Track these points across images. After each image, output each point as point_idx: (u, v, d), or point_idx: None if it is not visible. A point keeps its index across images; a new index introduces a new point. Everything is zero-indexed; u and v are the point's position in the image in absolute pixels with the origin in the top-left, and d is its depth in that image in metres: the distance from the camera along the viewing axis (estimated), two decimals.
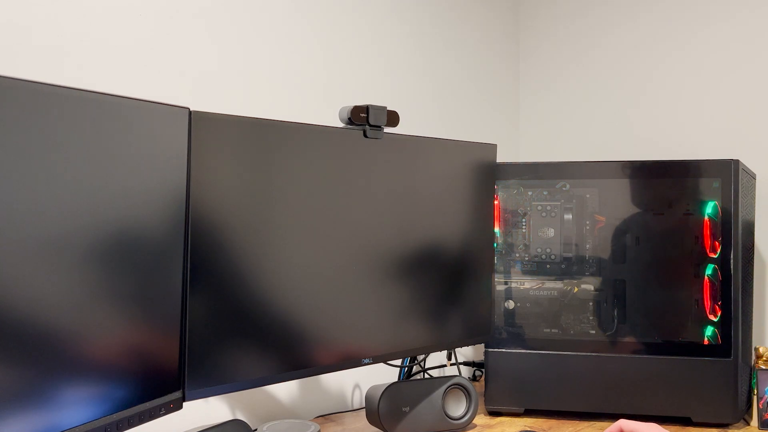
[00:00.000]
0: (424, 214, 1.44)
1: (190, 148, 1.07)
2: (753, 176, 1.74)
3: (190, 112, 1.07)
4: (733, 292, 1.53)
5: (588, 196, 1.64)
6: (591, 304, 1.63)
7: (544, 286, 1.65)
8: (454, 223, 1.50)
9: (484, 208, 1.57)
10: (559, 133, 2.27)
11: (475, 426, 1.56)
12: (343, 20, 1.78)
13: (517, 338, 1.64)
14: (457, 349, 1.78)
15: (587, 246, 1.64)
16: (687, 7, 2.03)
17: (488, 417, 1.62)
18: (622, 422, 1.19)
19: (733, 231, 1.54)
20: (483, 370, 1.80)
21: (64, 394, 0.89)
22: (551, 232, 1.65)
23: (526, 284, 1.66)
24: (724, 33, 1.97)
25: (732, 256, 1.54)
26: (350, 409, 1.73)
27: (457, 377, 1.53)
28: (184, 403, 1.09)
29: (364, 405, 1.53)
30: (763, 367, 1.60)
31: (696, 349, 1.56)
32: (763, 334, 1.85)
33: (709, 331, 1.57)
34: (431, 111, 2.03)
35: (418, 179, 1.43)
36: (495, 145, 1.60)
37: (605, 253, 1.63)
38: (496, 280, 1.62)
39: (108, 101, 0.94)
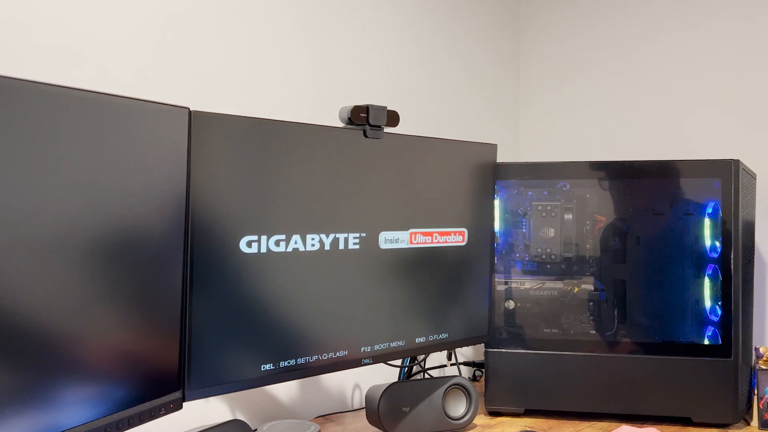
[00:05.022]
0: (424, 213, 1.44)
1: (190, 148, 1.07)
2: (753, 176, 1.74)
3: (190, 112, 1.07)
4: (733, 292, 1.53)
5: (588, 196, 1.64)
6: (591, 304, 1.63)
7: (544, 286, 1.65)
8: (454, 222, 1.50)
9: (484, 208, 1.57)
10: (559, 133, 2.27)
11: (475, 426, 1.56)
12: (343, 20, 1.78)
13: (517, 338, 1.64)
14: (457, 349, 1.78)
15: (587, 246, 1.64)
16: (687, 7, 2.03)
17: (488, 417, 1.62)
18: (624, 428, 1.20)
19: (733, 231, 1.54)
20: (483, 370, 1.80)
21: (64, 394, 0.89)
22: (551, 232, 1.65)
23: (526, 284, 1.66)
24: (724, 33, 1.97)
25: (732, 256, 1.54)
26: (350, 409, 1.73)
27: (457, 377, 1.53)
28: (184, 403, 1.09)
29: (364, 405, 1.53)
30: (763, 367, 1.60)
31: (696, 349, 1.56)
32: (763, 334, 1.85)
33: (709, 331, 1.57)
34: (431, 111, 2.03)
35: (419, 179, 1.43)
36: (495, 145, 1.60)
37: (605, 253, 1.63)
38: (496, 280, 1.62)
39: (108, 101, 0.94)
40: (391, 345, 1.40)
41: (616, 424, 1.55)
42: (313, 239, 1.25)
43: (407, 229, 1.41)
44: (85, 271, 0.92)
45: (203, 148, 1.09)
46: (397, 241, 1.39)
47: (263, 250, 1.18)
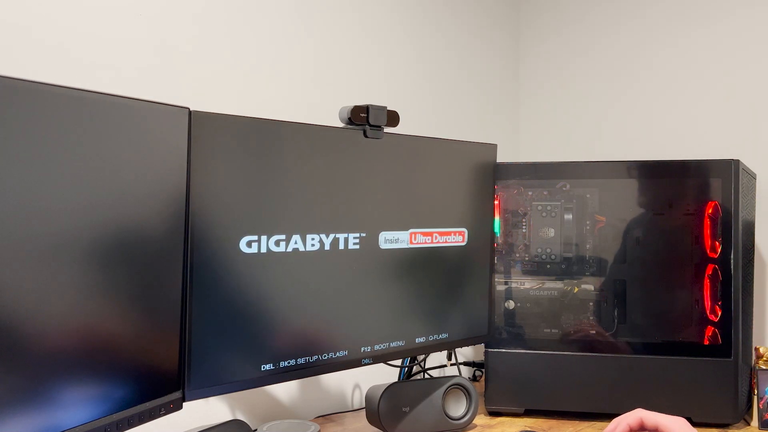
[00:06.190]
0: (424, 213, 1.44)
1: (190, 148, 1.07)
2: (753, 176, 1.74)
3: (190, 112, 1.07)
4: (733, 292, 1.53)
5: (588, 196, 1.64)
6: (591, 304, 1.63)
7: (544, 286, 1.65)
8: (454, 222, 1.50)
9: (484, 208, 1.57)
10: (559, 133, 2.27)
11: (475, 426, 1.56)
12: (343, 20, 1.78)
13: (517, 338, 1.64)
14: (457, 349, 1.78)
15: (587, 246, 1.64)
16: (687, 6, 2.03)
17: (488, 417, 1.62)
18: (641, 413, 1.09)
19: (733, 231, 1.54)
20: (483, 370, 1.80)
21: (64, 394, 0.89)
22: (551, 232, 1.65)
23: (526, 284, 1.66)
24: (723, 33, 1.97)
25: (732, 256, 1.54)
26: (350, 409, 1.73)
27: (457, 377, 1.53)
28: (184, 403, 1.09)
29: (364, 405, 1.53)
30: (763, 367, 1.60)
31: (696, 349, 1.56)
32: (763, 334, 1.85)
33: (709, 331, 1.57)
34: (431, 111, 2.03)
35: (419, 179, 1.43)
36: (495, 145, 1.60)
37: (605, 253, 1.63)
38: (496, 280, 1.62)
39: (108, 101, 0.94)
40: (391, 345, 1.39)
41: None
42: (313, 239, 1.25)
43: (407, 229, 1.41)
44: (84, 270, 0.92)
45: (203, 148, 1.09)
46: (397, 241, 1.39)
47: (263, 250, 1.18)
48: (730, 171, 1.54)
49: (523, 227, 1.67)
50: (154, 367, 1.04)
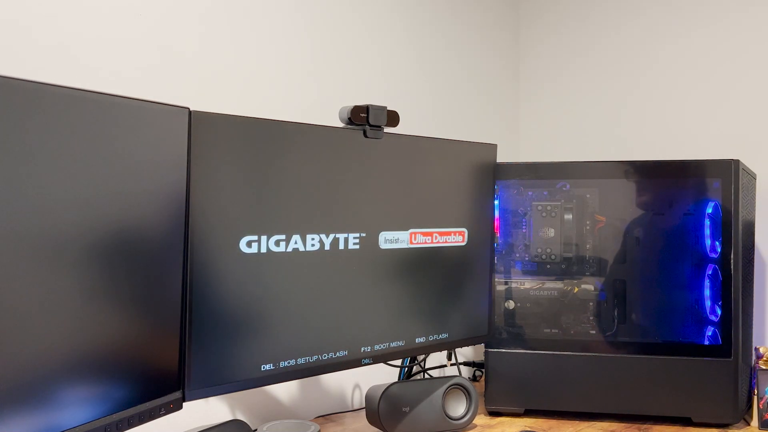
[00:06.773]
0: (424, 213, 1.44)
1: (190, 148, 1.07)
2: (753, 176, 1.74)
3: (190, 112, 1.07)
4: (733, 292, 1.53)
5: (588, 196, 1.64)
6: (591, 304, 1.63)
7: (544, 286, 1.65)
8: (454, 222, 1.50)
9: (484, 208, 1.57)
10: (559, 133, 2.27)
11: (475, 426, 1.56)
12: (343, 20, 1.78)
13: (517, 338, 1.64)
14: (457, 350, 1.78)
15: (587, 246, 1.64)
16: (687, 6, 2.03)
17: (488, 417, 1.62)
18: None
19: (733, 231, 1.54)
20: (483, 370, 1.80)
21: (64, 394, 0.89)
22: (551, 232, 1.65)
23: (526, 284, 1.66)
24: (724, 32, 1.97)
25: (732, 256, 1.54)
26: (350, 409, 1.73)
27: (457, 377, 1.53)
28: (184, 403, 1.09)
29: (364, 405, 1.53)
30: (764, 367, 1.60)
31: (696, 349, 1.56)
32: (763, 334, 1.85)
33: (709, 331, 1.57)
34: (431, 111, 2.03)
35: (418, 179, 1.43)
36: (495, 145, 1.60)
37: (605, 253, 1.63)
38: (496, 280, 1.62)
39: (108, 101, 0.94)
40: (391, 345, 1.39)
41: (616, 424, 1.55)
42: (313, 239, 1.25)
43: (407, 229, 1.41)
44: (85, 270, 0.92)
45: (203, 148, 1.09)
46: (397, 241, 1.39)
47: (263, 250, 1.18)
48: (730, 171, 1.54)
49: (523, 227, 1.67)
50: (154, 367, 1.04)
